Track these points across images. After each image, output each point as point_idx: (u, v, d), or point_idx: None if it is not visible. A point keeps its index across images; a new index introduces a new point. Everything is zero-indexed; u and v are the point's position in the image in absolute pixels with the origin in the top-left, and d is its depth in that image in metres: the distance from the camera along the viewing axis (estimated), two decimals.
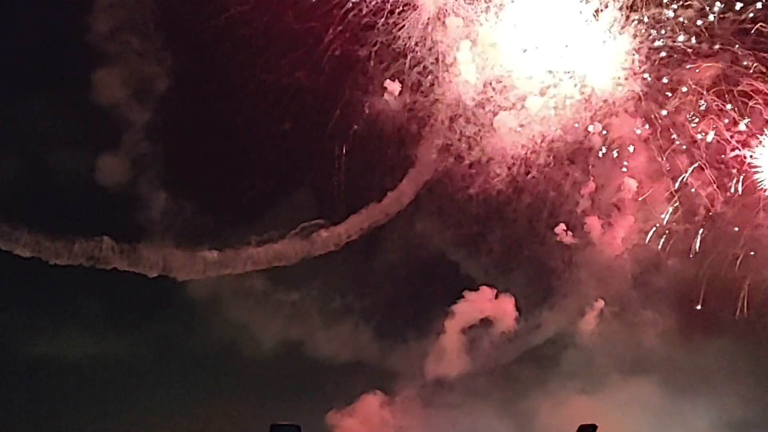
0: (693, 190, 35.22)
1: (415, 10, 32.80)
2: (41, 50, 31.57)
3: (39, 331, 33.23)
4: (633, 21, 33.68)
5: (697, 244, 35.39)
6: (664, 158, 35.23)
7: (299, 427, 17.50)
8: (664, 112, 34.75)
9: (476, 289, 35.57)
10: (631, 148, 35.53)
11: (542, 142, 34.86)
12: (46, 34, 31.53)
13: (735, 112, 34.19)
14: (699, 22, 33.65)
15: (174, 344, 34.46)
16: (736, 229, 35.19)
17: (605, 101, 34.48)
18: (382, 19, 32.66)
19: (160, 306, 34.32)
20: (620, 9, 33.44)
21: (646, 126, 35.04)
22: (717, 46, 33.84)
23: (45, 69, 31.95)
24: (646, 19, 33.69)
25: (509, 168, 35.00)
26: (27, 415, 32.33)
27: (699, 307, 35.69)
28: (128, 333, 34.59)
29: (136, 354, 34.56)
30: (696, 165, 35.00)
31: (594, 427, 20.11)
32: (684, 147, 35.04)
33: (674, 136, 35.01)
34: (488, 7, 32.97)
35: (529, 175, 35.22)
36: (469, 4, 32.96)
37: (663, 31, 33.79)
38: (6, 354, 32.30)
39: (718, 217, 35.29)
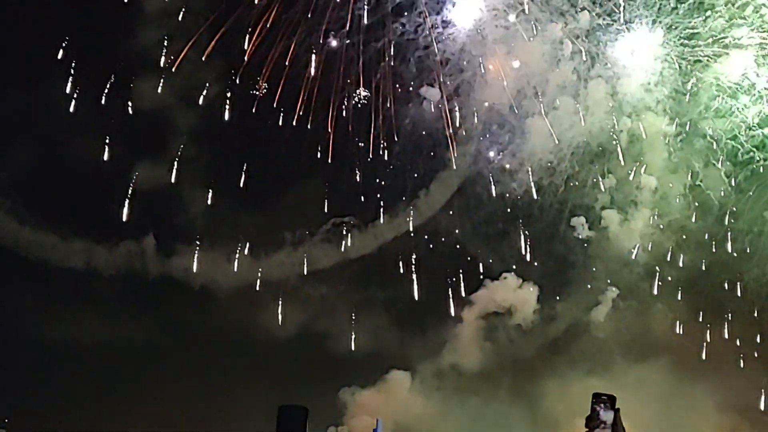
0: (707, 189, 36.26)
1: (452, 23, 33.08)
2: (86, 54, 31.35)
3: (53, 314, 33.09)
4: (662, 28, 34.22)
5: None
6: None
7: (307, 409, 18.20)
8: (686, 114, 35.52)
9: (497, 279, 36.37)
10: (651, 146, 36.27)
11: (569, 146, 35.59)
12: (95, 39, 31.24)
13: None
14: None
15: (191, 330, 34.84)
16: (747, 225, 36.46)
17: (634, 107, 35.24)
18: (422, 35, 33.13)
19: (178, 290, 34.34)
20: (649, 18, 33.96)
21: (671, 126, 35.78)
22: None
23: (85, 72, 31.64)
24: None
25: (535, 172, 35.78)
26: (42, 397, 32.57)
27: (707, 296, 36.95)
28: (144, 317, 34.62)
29: (152, 338, 34.58)
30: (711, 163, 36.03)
31: (613, 398, 18.41)
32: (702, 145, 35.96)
33: (693, 134, 35.86)
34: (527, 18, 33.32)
35: (552, 177, 35.98)
36: (507, 15, 33.28)
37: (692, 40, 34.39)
38: (20, 337, 32.43)
39: (730, 214, 36.41)
